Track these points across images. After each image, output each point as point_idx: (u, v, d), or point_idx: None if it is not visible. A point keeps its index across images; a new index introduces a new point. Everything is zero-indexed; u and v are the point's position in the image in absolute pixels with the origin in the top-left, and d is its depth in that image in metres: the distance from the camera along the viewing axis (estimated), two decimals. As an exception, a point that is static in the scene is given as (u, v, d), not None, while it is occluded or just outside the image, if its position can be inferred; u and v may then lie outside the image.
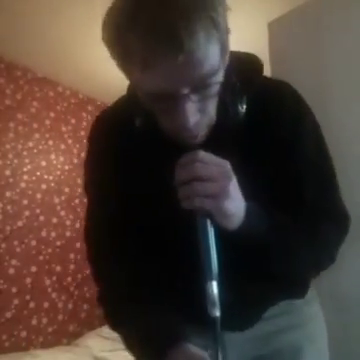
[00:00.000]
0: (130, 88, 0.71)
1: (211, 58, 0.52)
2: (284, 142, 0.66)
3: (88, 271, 3.12)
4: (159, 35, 0.48)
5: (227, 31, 0.55)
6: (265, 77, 0.70)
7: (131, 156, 0.70)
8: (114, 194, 0.72)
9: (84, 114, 3.41)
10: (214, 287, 0.52)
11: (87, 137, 0.80)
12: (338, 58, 1.36)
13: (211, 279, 0.53)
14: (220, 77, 0.56)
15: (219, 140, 0.61)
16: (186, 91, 0.53)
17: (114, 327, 0.67)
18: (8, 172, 2.79)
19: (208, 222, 0.55)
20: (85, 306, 3.11)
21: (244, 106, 0.63)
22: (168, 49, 0.48)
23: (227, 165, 0.56)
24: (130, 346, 0.64)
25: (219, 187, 0.54)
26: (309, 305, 0.77)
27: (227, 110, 0.63)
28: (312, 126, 0.70)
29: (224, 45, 0.55)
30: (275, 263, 0.62)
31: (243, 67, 0.66)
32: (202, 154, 0.55)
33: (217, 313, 0.52)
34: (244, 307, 0.68)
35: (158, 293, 0.66)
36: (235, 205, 0.56)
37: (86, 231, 0.79)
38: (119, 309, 0.66)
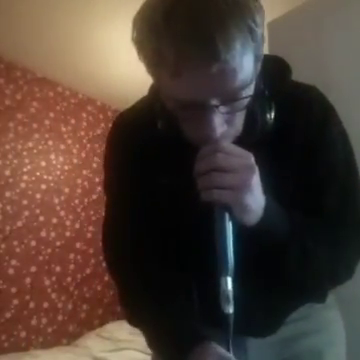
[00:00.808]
0: (152, 90, 0.69)
1: (245, 70, 0.50)
2: (309, 148, 0.64)
3: (88, 271, 3.12)
4: (194, 41, 0.46)
5: (263, 40, 0.53)
6: (293, 81, 0.67)
7: (152, 158, 0.68)
8: (135, 196, 0.71)
9: (84, 114, 3.41)
10: (229, 283, 0.51)
11: (107, 138, 0.77)
12: (338, 58, 1.36)
13: (226, 274, 0.51)
14: (251, 90, 0.54)
15: (244, 145, 0.58)
16: (215, 102, 0.51)
17: (137, 325, 0.68)
18: (8, 172, 2.78)
19: (226, 215, 0.53)
20: (85, 306, 3.10)
21: (272, 114, 0.61)
22: (202, 57, 0.46)
23: (251, 157, 0.53)
24: (153, 345, 0.65)
25: (240, 179, 0.52)
26: (328, 309, 0.75)
27: (255, 120, 0.61)
28: (339, 134, 0.67)
29: (258, 56, 0.53)
30: (291, 265, 0.60)
31: (271, 72, 0.63)
32: (225, 144, 0.53)
33: (230, 310, 0.51)
34: (267, 314, 0.67)
35: (176, 294, 0.66)
36: (255, 200, 0.54)
37: (105, 233, 0.77)
38: (141, 310, 0.67)
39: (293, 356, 0.71)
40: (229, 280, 0.51)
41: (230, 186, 0.51)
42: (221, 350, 0.54)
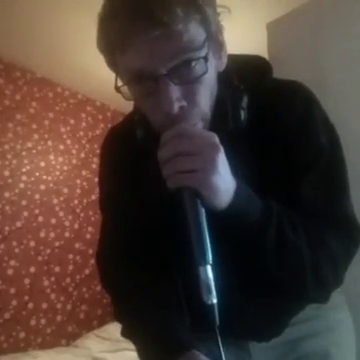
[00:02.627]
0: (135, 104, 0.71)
1: (191, 34, 0.51)
2: (292, 138, 0.63)
3: (87, 272, 3.12)
4: (135, 16, 0.50)
5: (216, 22, 0.55)
6: (275, 79, 0.67)
7: (137, 169, 0.70)
8: (124, 208, 0.72)
9: (83, 115, 3.41)
10: (208, 271, 0.49)
11: (100, 153, 0.80)
12: (337, 59, 1.36)
13: (205, 263, 0.49)
14: (204, 66, 0.53)
15: (224, 145, 0.58)
16: (165, 70, 0.52)
17: (129, 338, 0.68)
18: (7, 173, 2.78)
19: (197, 201, 0.50)
20: (84, 307, 3.10)
21: (244, 105, 0.61)
22: (143, 26, 0.49)
23: (214, 136, 0.52)
24: (140, 351, 0.66)
25: (204, 160, 0.50)
26: (336, 310, 0.74)
27: (226, 110, 0.61)
28: (321, 124, 0.65)
29: (211, 33, 0.54)
30: (268, 252, 0.57)
31: (251, 69, 0.64)
32: (184, 127, 0.52)
33: (214, 300, 0.48)
34: (269, 319, 0.66)
35: (166, 306, 0.66)
36: (223, 180, 0.51)
37: (101, 252, 0.78)
38: (131, 323, 0.68)
39: (300, 357, 0.71)
40: (209, 268, 0.49)
41: (196, 168, 0.50)
42: (205, 358, 0.53)
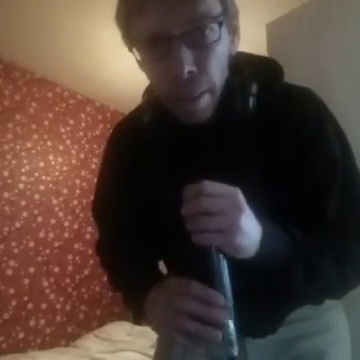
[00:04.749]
0: (145, 93, 0.71)
1: (207, 3, 0.53)
2: (305, 149, 0.63)
3: (86, 272, 3.12)
4: None
5: (233, 4, 0.57)
6: (286, 83, 0.67)
7: (145, 164, 0.69)
8: (127, 207, 0.74)
9: (83, 115, 3.41)
10: (231, 326, 0.50)
11: (103, 150, 0.80)
12: (336, 60, 1.36)
13: (229, 318, 0.50)
14: (217, 33, 0.55)
15: (231, 138, 0.58)
16: (179, 32, 0.53)
17: (115, 289, 0.76)
18: (6, 173, 2.78)
19: (221, 256, 0.51)
20: (83, 307, 3.10)
21: (254, 94, 0.61)
22: None
23: (237, 195, 0.51)
24: (125, 298, 0.73)
25: (228, 221, 0.50)
26: (332, 310, 0.75)
27: (234, 95, 0.61)
28: (335, 134, 0.65)
29: (227, 9, 0.56)
30: (298, 284, 0.58)
31: (262, 69, 0.65)
32: (208, 185, 0.51)
33: (235, 352, 0.50)
34: (265, 315, 0.67)
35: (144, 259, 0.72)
36: (248, 237, 0.51)
37: (101, 242, 0.84)
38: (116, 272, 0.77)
39: (296, 356, 0.71)
40: (231, 323, 0.50)
41: (219, 229, 0.50)
42: (177, 279, 0.56)
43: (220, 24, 0.55)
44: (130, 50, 0.59)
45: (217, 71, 0.57)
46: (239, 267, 0.51)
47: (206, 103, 0.58)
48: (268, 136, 0.63)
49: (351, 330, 0.78)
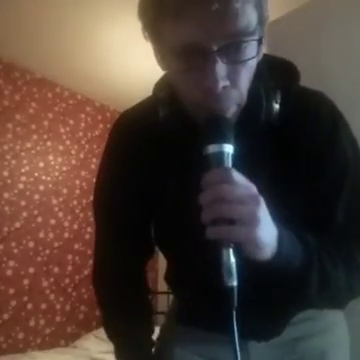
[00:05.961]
0: (156, 87, 0.69)
1: (247, 16, 0.50)
2: (319, 155, 0.63)
3: (86, 272, 3.12)
4: None
5: (267, 11, 0.55)
6: (300, 86, 0.67)
7: (152, 158, 0.68)
8: (128, 203, 0.73)
9: (82, 115, 3.41)
10: (232, 258, 0.48)
11: (108, 138, 0.76)
12: (337, 59, 1.36)
13: (228, 246, 0.48)
14: (254, 49, 0.53)
15: (251, 140, 0.57)
16: (217, 47, 0.50)
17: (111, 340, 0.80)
18: (6, 173, 2.78)
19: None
20: (83, 307, 3.10)
21: (278, 102, 0.60)
22: None
23: (254, 188, 0.49)
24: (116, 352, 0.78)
25: (247, 210, 0.48)
26: (332, 311, 0.75)
27: (260, 104, 0.60)
28: (348, 141, 0.65)
29: (263, 19, 0.54)
30: (312, 291, 0.57)
31: (280, 71, 0.64)
32: (231, 172, 0.49)
33: (234, 282, 0.47)
34: (270, 319, 0.67)
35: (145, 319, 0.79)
36: (267, 232, 0.50)
37: (96, 272, 0.83)
38: (115, 328, 0.80)
39: (297, 357, 0.71)
40: (231, 251, 0.48)
41: (235, 218, 0.47)
42: None
43: (259, 42, 0.53)
44: (153, 47, 0.57)
45: (247, 85, 0.57)
46: (250, 271, 0.49)
47: (232, 113, 0.58)
48: (283, 140, 0.63)
49: (350, 331, 0.78)
